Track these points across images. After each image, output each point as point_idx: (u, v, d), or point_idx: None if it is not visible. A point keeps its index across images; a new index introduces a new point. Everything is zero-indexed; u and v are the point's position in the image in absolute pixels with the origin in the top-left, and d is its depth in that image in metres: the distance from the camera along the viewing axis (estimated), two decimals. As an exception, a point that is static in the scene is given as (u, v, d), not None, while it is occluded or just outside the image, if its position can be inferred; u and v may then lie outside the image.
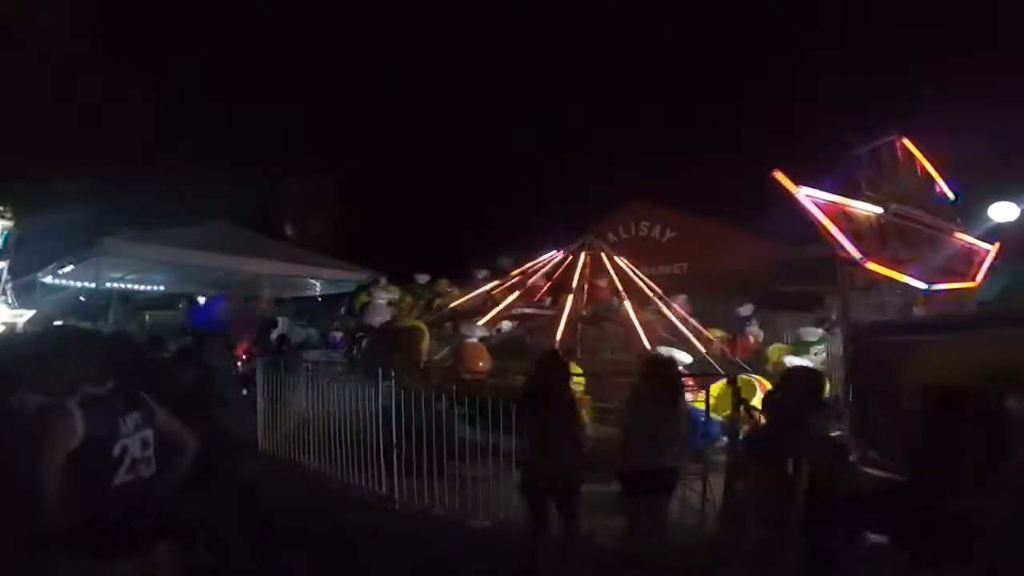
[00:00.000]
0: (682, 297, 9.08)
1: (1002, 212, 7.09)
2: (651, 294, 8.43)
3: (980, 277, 5.92)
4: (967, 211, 7.87)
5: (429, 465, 4.79)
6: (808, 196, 3.95)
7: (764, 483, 3.19)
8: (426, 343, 7.51)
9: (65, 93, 13.60)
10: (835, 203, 4.14)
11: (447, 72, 22.58)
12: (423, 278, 10.49)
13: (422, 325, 7.81)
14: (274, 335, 11.12)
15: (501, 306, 8.41)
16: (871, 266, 4.26)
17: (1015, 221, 7.08)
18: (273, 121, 18.54)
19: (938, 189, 5.78)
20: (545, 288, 9.09)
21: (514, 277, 9.28)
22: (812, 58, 15.58)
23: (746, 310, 7.73)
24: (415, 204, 21.28)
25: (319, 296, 14.95)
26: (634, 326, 7.62)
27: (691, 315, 8.33)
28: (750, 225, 14.06)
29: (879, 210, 4.60)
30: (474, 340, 7.38)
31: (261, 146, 17.28)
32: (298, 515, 4.46)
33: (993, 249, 6.33)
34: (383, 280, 9.41)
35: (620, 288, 8.33)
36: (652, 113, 20.53)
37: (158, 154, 15.50)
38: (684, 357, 6.60)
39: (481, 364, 6.86)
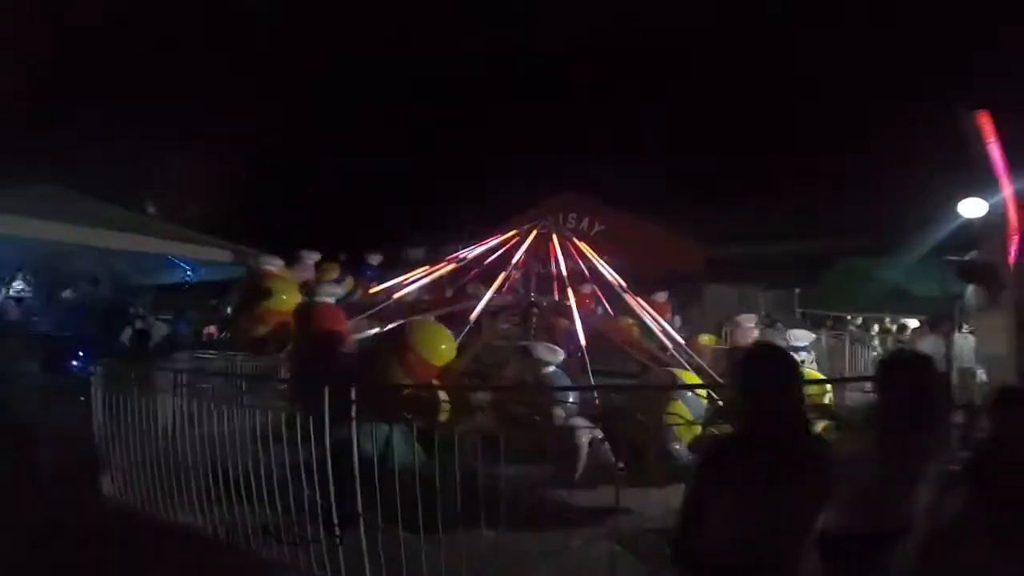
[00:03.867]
0: None
1: (971, 208, 7.00)
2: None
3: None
4: (935, 209, 7.78)
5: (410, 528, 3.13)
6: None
7: None
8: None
9: None
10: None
11: (350, 48, 20.20)
12: (375, 259, 8.32)
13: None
14: (127, 334, 8.38)
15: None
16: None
17: (983, 217, 7.01)
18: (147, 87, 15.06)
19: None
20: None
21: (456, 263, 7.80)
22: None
23: (801, 340, 6.35)
24: (306, 186, 18.73)
25: (187, 283, 12.07)
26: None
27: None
28: (677, 225, 13.97)
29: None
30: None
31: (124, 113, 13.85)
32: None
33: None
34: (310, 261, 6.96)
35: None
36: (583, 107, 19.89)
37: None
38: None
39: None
